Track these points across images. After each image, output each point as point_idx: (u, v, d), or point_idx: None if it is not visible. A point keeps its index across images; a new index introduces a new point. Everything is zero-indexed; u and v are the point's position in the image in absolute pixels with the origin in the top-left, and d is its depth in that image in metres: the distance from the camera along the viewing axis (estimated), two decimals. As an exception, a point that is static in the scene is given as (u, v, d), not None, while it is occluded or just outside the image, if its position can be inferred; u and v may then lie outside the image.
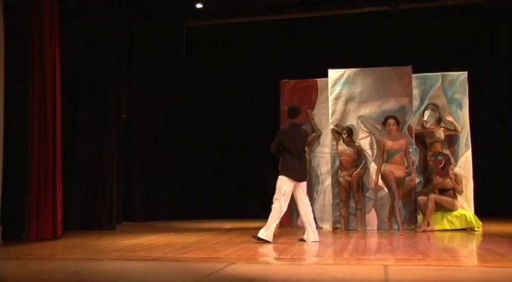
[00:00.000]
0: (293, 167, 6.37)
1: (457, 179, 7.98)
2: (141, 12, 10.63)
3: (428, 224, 7.68)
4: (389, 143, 7.55)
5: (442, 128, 8.16)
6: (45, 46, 6.82)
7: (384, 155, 7.60)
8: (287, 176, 6.34)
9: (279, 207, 6.31)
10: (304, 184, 6.51)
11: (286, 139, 6.45)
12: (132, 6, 10.11)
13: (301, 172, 6.45)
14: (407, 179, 7.70)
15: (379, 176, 7.63)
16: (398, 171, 7.49)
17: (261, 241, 6.17)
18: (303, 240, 6.39)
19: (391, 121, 7.61)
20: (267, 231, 6.24)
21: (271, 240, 6.22)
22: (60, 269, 4.49)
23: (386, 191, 7.95)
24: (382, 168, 7.57)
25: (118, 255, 5.32)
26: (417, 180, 8.01)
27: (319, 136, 8.83)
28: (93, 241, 6.56)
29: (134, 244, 6.32)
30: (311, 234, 6.37)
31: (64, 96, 7.53)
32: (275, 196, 6.35)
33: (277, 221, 6.42)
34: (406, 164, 7.63)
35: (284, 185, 6.31)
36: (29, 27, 6.77)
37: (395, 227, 7.60)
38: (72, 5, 8.35)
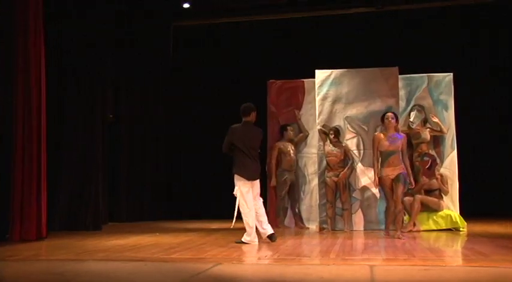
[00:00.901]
0: (245, 166, 6.34)
1: (442, 179, 8.05)
2: (128, 12, 10.58)
3: (414, 225, 7.74)
4: (385, 144, 6.94)
5: (428, 129, 8.22)
6: (29, 46, 6.77)
7: (378, 156, 7.01)
8: (241, 175, 6.35)
9: (246, 209, 6.32)
10: (256, 183, 6.49)
11: (236, 138, 6.39)
12: (119, 6, 10.05)
13: (253, 171, 6.41)
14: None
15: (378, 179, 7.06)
16: (394, 171, 6.88)
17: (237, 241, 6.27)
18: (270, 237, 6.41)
19: (390, 115, 7.09)
20: (250, 237, 6.24)
21: (256, 241, 6.23)
22: (45, 270, 4.45)
23: (374, 191, 8.01)
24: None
25: (104, 255, 5.29)
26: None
27: (306, 137, 8.87)
28: (78, 242, 6.51)
29: (120, 244, 6.29)
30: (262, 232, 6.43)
31: (50, 97, 7.48)
32: (239, 200, 6.37)
33: (255, 221, 6.36)
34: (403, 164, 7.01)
35: (242, 186, 6.33)
36: (13, 27, 6.71)
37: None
38: (58, 4, 8.29)
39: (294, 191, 8.73)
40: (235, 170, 6.43)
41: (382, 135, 7.01)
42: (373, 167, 7.14)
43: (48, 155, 7.30)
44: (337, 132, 8.18)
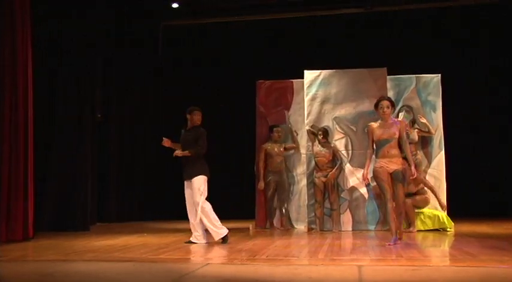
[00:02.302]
0: (206, 166, 6.51)
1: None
2: (118, 11, 10.52)
3: (410, 225, 7.75)
4: (377, 132, 6.15)
5: (416, 130, 8.27)
6: (17, 46, 6.72)
7: (373, 150, 6.27)
8: (206, 175, 6.44)
9: (206, 208, 6.32)
10: (189, 183, 6.51)
11: None
12: (110, 6, 10.00)
13: None
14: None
15: (370, 172, 6.31)
16: (392, 165, 6.04)
17: (223, 241, 6.27)
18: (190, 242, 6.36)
19: (385, 103, 6.19)
20: (220, 229, 6.30)
21: (226, 231, 6.30)
22: (34, 271, 4.42)
23: (362, 192, 8.04)
24: (373, 164, 6.24)
25: (93, 256, 5.27)
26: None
27: (295, 148, 8.88)
28: (66, 242, 6.47)
29: (109, 245, 6.27)
30: (197, 235, 6.41)
31: (40, 97, 7.44)
32: (197, 201, 6.30)
33: (215, 216, 6.39)
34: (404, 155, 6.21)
35: (204, 185, 6.38)
36: (0, 28, 6.66)
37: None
38: (47, 4, 8.24)
39: (281, 192, 8.73)
40: (201, 171, 6.41)
41: (375, 124, 6.23)
42: (367, 158, 6.31)
43: (38, 155, 7.26)
44: (325, 132, 8.20)
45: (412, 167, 6.10)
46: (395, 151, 6.07)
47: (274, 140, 8.70)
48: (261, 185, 8.62)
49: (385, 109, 6.13)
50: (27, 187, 6.74)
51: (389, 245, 5.84)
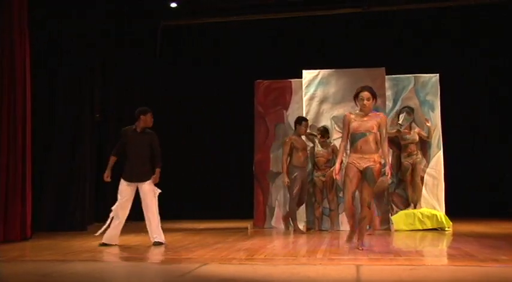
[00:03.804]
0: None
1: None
2: (117, 11, 10.50)
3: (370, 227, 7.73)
4: (354, 124, 5.47)
5: (417, 129, 8.29)
6: (15, 48, 6.73)
7: (347, 142, 5.64)
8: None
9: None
10: (144, 185, 6.33)
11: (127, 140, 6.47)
12: (108, 6, 9.99)
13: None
14: (381, 178, 6.44)
15: (342, 167, 5.68)
16: (363, 162, 5.39)
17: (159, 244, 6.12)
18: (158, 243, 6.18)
19: (365, 94, 5.45)
20: (162, 235, 6.26)
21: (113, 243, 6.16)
22: (31, 271, 4.41)
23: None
24: (345, 159, 5.68)
25: (90, 256, 5.27)
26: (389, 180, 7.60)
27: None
28: (64, 242, 6.46)
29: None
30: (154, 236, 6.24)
31: (40, 98, 7.42)
32: (154, 202, 6.36)
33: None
34: (380, 153, 5.51)
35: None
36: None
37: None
38: (47, 4, 8.23)
39: (305, 191, 8.08)
40: (152, 174, 6.35)
41: (353, 115, 5.57)
42: (340, 151, 5.68)
43: (37, 154, 7.25)
44: (324, 131, 8.16)
45: (387, 167, 5.56)
46: (370, 147, 5.40)
47: (300, 134, 8.01)
48: (286, 180, 7.84)
49: (366, 101, 5.45)
50: (25, 187, 6.74)
51: (360, 249, 5.39)
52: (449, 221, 7.92)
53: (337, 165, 5.55)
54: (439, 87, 8.61)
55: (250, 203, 9.04)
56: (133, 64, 11.13)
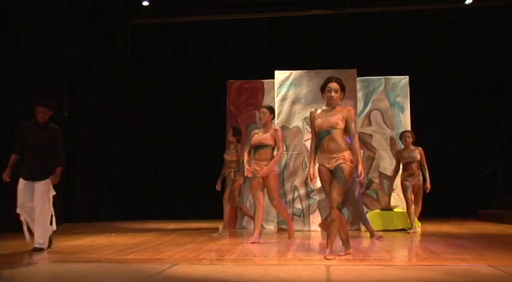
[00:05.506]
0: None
1: None
2: (87, 10, 10.37)
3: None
4: (318, 121, 5.03)
5: (419, 149, 7.78)
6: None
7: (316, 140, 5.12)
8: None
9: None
10: (39, 185, 5.74)
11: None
12: (80, 4, 9.86)
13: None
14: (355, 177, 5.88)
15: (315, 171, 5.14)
16: (332, 161, 4.91)
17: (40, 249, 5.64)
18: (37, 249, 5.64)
19: (333, 85, 5.03)
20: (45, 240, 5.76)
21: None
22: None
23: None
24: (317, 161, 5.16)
25: (57, 257, 5.18)
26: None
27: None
28: (29, 243, 6.32)
29: (75, 245, 6.17)
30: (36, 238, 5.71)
31: (1, 95, 7.26)
32: (46, 203, 5.75)
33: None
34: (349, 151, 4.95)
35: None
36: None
37: None
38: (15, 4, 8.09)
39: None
40: (51, 173, 5.79)
41: (318, 111, 5.15)
42: (310, 153, 5.21)
43: (1, 153, 7.08)
44: (235, 131, 7.75)
45: (360, 166, 5.03)
46: (337, 145, 4.91)
47: None
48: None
49: (333, 93, 5.02)
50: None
51: (327, 258, 4.79)
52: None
53: (310, 170, 5.10)
54: (408, 89, 8.74)
55: (221, 204, 9.01)
56: (104, 62, 11.01)
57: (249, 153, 6.69)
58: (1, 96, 7.53)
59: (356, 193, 6.80)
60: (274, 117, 6.73)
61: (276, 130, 6.59)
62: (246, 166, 6.57)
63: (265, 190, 6.68)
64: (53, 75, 8.66)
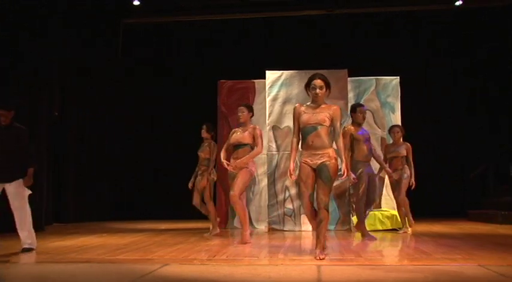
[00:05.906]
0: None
1: None
2: (76, 9, 10.31)
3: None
4: (304, 117, 4.96)
5: (406, 145, 7.76)
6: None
7: (299, 137, 5.07)
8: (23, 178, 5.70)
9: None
10: (10, 187, 5.62)
11: None
12: (70, 5, 9.80)
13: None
14: (339, 180, 6.35)
15: (296, 166, 5.11)
16: (316, 158, 4.87)
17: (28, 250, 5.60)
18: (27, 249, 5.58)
19: (317, 82, 5.00)
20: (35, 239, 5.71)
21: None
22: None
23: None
24: (299, 157, 5.10)
25: (47, 257, 5.14)
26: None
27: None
28: (18, 243, 6.26)
29: (65, 246, 6.13)
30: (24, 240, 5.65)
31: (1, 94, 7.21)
32: (23, 204, 5.65)
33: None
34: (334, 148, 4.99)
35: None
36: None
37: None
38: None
39: (372, 190, 6.93)
40: (23, 173, 5.63)
41: (302, 106, 5.09)
42: (292, 148, 5.10)
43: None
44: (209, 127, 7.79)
45: (343, 165, 4.92)
46: (322, 141, 4.87)
47: (358, 123, 6.87)
48: (352, 177, 6.64)
49: (318, 90, 4.98)
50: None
51: (319, 258, 4.75)
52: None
53: (291, 165, 4.99)
54: (399, 89, 8.77)
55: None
56: (95, 62, 10.96)
57: (226, 151, 6.66)
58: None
59: (360, 190, 6.69)
60: (252, 116, 6.69)
61: (254, 128, 6.52)
62: (225, 162, 6.49)
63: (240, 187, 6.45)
64: (45, 76, 8.60)
